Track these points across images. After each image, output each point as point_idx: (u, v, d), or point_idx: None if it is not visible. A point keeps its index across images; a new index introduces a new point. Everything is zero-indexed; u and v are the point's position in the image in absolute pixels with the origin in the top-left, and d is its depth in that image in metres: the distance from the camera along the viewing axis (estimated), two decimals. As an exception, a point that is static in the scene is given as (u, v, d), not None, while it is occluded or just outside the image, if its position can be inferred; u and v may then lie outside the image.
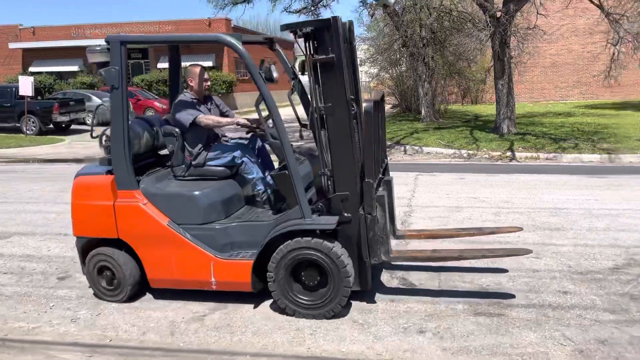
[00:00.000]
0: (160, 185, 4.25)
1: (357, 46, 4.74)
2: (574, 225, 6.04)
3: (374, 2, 17.11)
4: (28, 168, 11.90)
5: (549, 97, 25.65)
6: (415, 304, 4.08)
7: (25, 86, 17.12)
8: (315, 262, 3.78)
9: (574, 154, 11.06)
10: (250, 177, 4.47)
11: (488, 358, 3.30)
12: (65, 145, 15.90)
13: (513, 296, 4.18)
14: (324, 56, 3.76)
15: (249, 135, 4.72)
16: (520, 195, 7.58)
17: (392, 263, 4.48)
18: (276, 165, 4.44)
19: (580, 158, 10.84)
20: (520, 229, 5.02)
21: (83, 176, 4.32)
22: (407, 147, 12.77)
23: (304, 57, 3.99)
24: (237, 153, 4.43)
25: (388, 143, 12.20)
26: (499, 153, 11.43)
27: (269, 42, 4.56)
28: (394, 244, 4.38)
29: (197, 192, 4.10)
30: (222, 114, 4.72)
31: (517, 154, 11.26)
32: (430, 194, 7.85)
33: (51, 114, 18.08)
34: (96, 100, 21.62)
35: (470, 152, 11.75)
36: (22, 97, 17.48)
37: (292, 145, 4.00)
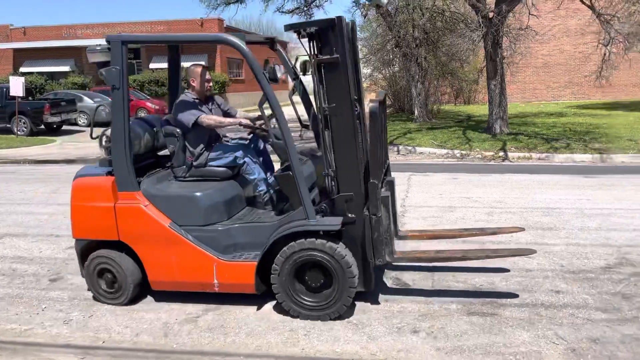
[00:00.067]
0: (161, 186, 4.21)
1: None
2: (566, 224, 6.07)
3: (366, 3, 17.16)
4: (20, 169, 11.81)
5: (541, 98, 25.82)
6: (409, 304, 4.09)
7: (16, 87, 17.00)
8: (320, 263, 3.75)
9: (566, 154, 11.12)
10: (251, 177, 4.44)
11: (481, 357, 3.31)
12: (57, 146, 15.80)
13: (506, 296, 4.20)
14: (329, 56, 3.73)
15: (249, 136, 4.69)
16: (512, 195, 7.61)
17: (396, 264, 4.45)
18: (277, 165, 4.42)
19: (572, 158, 10.90)
20: (522, 229, 4.98)
21: (83, 177, 4.25)
22: (400, 147, 12.78)
23: (304, 57, 3.96)
24: (239, 153, 4.39)
25: (381, 143, 12.17)
26: (491, 153, 11.47)
27: (270, 42, 4.55)
28: (396, 244, 4.36)
29: (198, 193, 4.06)
30: (225, 113, 4.69)
31: (510, 154, 11.30)
32: (424, 194, 7.87)
33: (42, 114, 17.95)
34: (87, 101, 21.53)
35: (463, 152, 11.78)
36: (13, 98, 17.33)
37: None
